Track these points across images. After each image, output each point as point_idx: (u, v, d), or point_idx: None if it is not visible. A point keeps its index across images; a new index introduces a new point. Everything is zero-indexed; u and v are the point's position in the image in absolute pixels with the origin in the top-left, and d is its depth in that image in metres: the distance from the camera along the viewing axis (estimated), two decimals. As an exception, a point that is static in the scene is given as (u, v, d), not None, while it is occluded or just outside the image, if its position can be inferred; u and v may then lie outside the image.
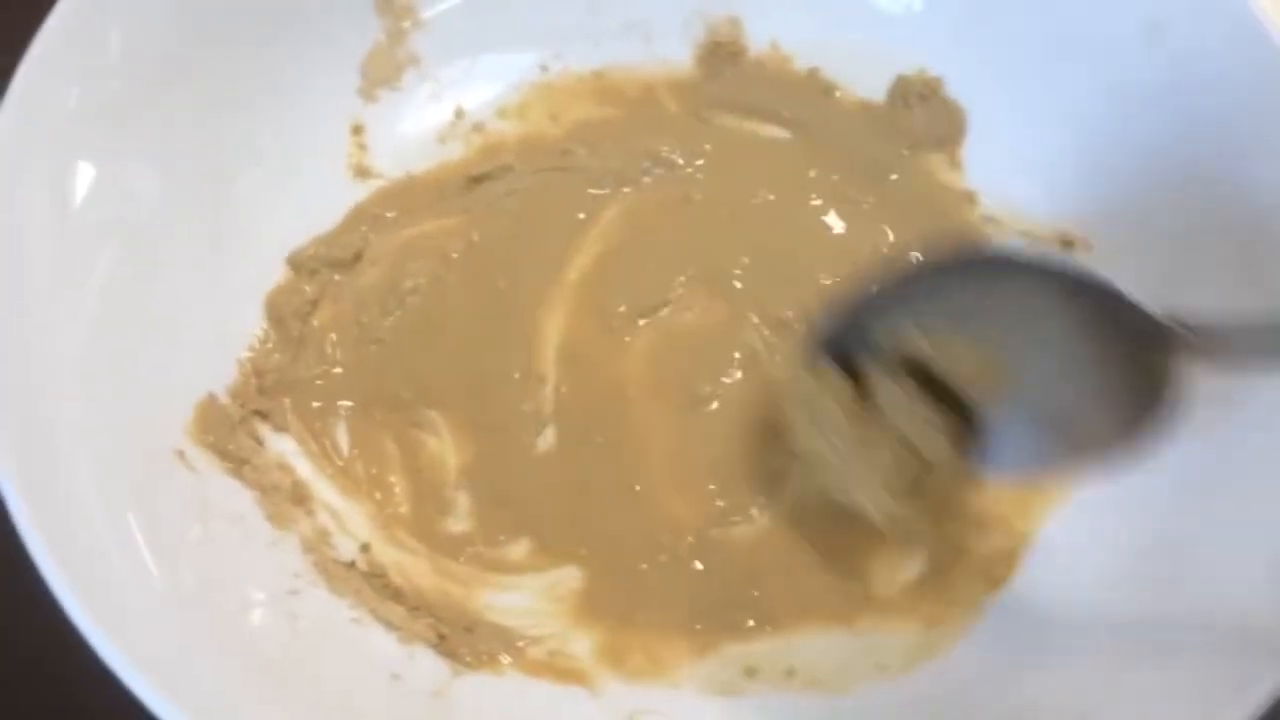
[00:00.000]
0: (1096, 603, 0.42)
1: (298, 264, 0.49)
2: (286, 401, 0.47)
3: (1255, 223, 0.44)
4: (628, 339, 0.49)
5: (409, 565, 0.45)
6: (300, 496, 0.45)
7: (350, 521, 0.46)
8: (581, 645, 0.44)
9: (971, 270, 0.41)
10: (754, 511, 0.46)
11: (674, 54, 0.56)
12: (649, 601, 0.45)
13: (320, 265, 0.50)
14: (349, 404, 0.48)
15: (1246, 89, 0.45)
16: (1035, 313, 0.39)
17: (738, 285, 0.51)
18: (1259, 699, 0.35)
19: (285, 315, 0.48)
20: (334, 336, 0.49)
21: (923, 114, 0.54)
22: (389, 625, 0.42)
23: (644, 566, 0.45)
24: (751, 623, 0.45)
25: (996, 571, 0.45)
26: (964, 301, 0.40)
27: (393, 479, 0.47)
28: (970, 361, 0.41)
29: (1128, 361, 0.37)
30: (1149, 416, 0.37)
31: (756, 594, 0.45)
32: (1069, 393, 0.40)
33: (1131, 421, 0.38)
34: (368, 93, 0.53)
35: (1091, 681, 0.40)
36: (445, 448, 0.47)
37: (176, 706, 0.33)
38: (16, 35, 0.41)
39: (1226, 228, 0.45)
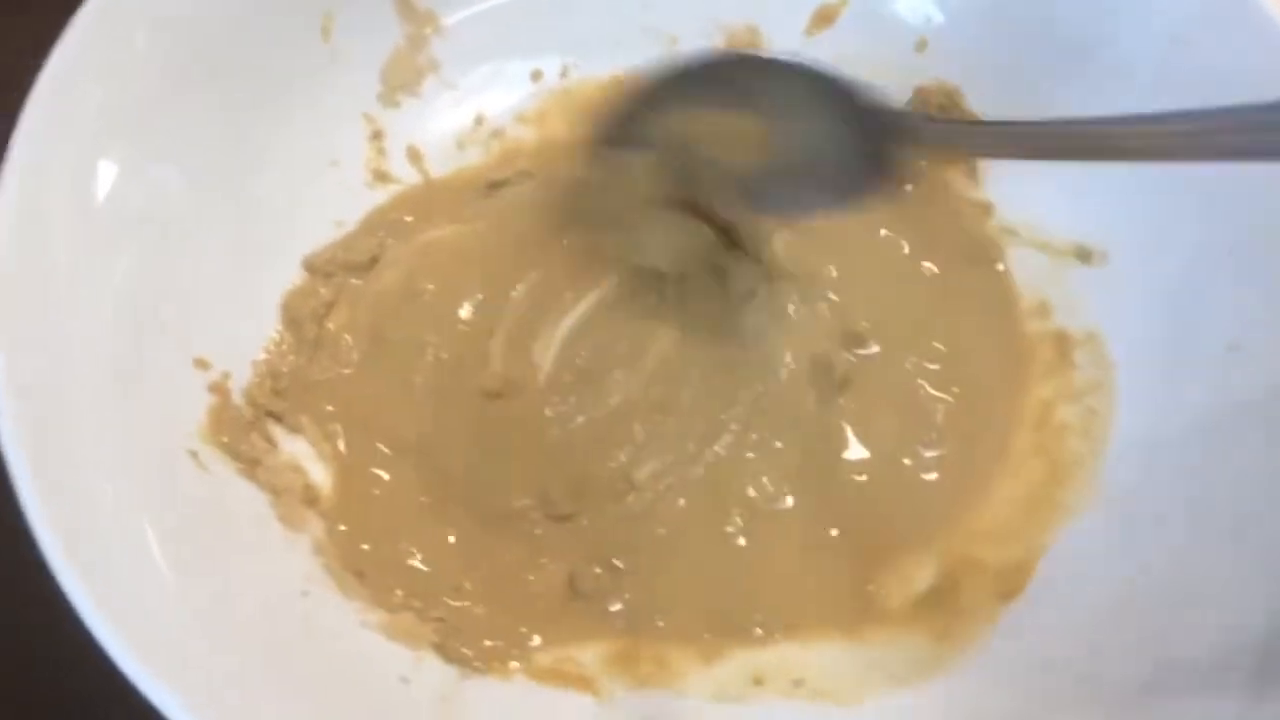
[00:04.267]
0: (1108, 617, 0.42)
1: (314, 267, 0.50)
2: (300, 403, 0.47)
3: (1274, 235, 0.44)
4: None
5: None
6: (312, 498, 0.45)
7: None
8: (590, 652, 0.44)
9: (736, 66, 0.47)
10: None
11: (694, 63, 0.56)
12: (658, 609, 0.45)
13: (337, 269, 0.50)
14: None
15: (1269, 96, 0.44)
16: (793, 99, 0.45)
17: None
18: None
19: (301, 318, 0.48)
20: (349, 339, 0.49)
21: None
22: (393, 632, 0.43)
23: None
24: (760, 631, 0.45)
25: (1008, 584, 0.45)
26: (730, 89, 0.46)
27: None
28: (735, 132, 0.46)
29: (869, 139, 0.43)
30: (884, 179, 0.44)
31: (765, 603, 0.45)
32: (820, 160, 0.45)
33: (869, 183, 0.44)
34: (388, 98, 0.54)
35: (1105, 695, 0.40)
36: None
37: (187, 707, 0.33)
38: (38, 37, 0.42)
39: (1243, 240, 0.45)
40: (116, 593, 0.35)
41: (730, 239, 0.50)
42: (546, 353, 0.48)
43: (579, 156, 0.50)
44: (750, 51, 0.47)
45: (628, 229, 0.49)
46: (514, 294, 0.49)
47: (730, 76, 0.46)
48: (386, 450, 0.47)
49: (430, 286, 0.50)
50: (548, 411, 0.47)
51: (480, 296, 0.50)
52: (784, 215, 0.50)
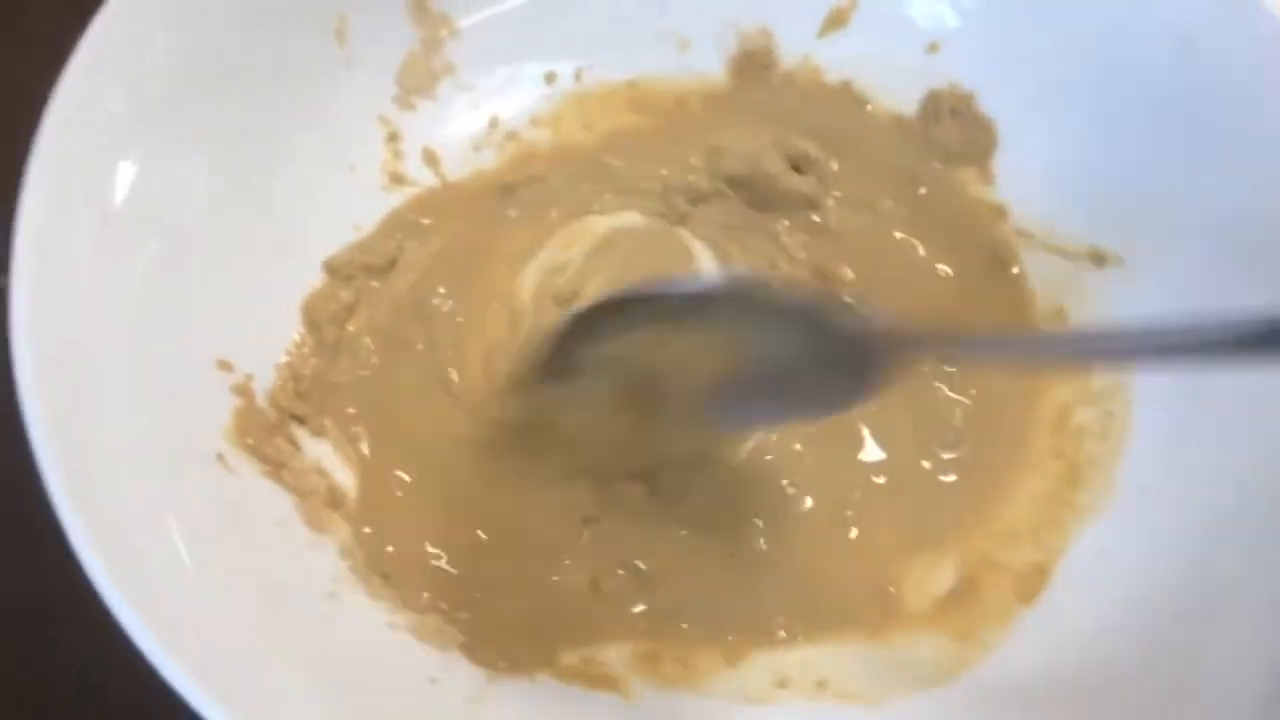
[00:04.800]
0: (1129, 618, 0.42)
1: (334, 269, 0.50)
2: (323, 406, 0.48)
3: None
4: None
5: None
6: (337, 501, 0.45)
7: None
8: (615, 653, 0.44)
9: (686, 297, 0.43)
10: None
11: (706, 65, 0.56)
12: (681, 611, 0.45)
13: (356, 271, 0.50)
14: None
15: (1277, 100, 0.45)
16: (757, 320, 0.41)
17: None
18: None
19: (322, 320, 0.48)
20: (369, 342, 0.49)
21: (954, 128, 0.54)
22: (420, 634, 0.43)
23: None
24: (782, 633, 0.45)
25: (1028, 586, 0.45)
26: (683, 314, 0.43)
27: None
28: (694, 349, 0.43)
29: (836, 358, 0.40)
30: (854, 396, 0.40)
31: (788, 605, 0.45)
32: (785, 378, 0.42)
33: (839, 397, 0.41)
34: (404, 101, 0.54)
35: (1123, 697, 0.40)
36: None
37: (218, 703, 0.33)
38: (59, 37, 0.42)
39: (1258, 241, 0.45)
40: (147, 593, 0.35)
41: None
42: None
43: (507, 399, 0.48)
44: (693, 284, 0.45)
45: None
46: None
47: (680, 305, 0.43)
48: (409, 453, 0.47)
49: (443, 290, 0.50)
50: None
51: (493, 301, 0.50)
52: (753, 427, 0.48)
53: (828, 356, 0.40)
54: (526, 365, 0.47)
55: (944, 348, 0.42)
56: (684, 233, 0.53)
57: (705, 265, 0.52)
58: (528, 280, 0.51)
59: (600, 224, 0.53)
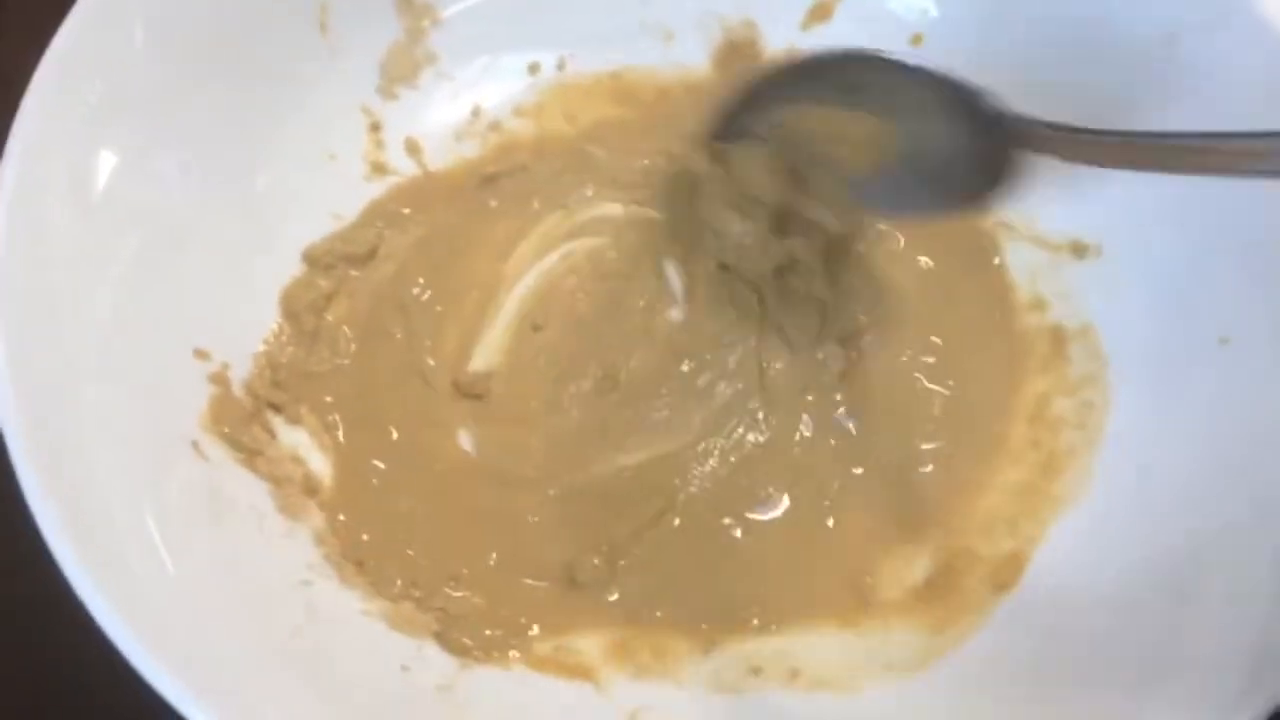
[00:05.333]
0: (1103, 607, 0.42)
1: (314, 259, 0.50)
2: (300, 394, 0.48)
3: (1267, 233, 0.45)
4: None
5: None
6: (312, 489, 0.45)
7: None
8: (589, 641, 0.44)
9: (853, 63, 0.46)
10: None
11: (690, 56, 0.56)
12: (656, 599, 0.45)
13: (336, 260, 0.50)
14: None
15: (1261, 97, 0.45)
16: (911, 99, 0.45)
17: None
18: (1263, 706, 0.35)
19: (300, 309, 0.49)
20: (348, 331, 0.49)
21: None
22: (394, 621, 0.43)
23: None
24: (757, 622, 0.45)
25: (1003, 576, 0.45)
26: (844, 88, 0.46)
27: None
28: (851, 130, 0.47)
29: (982, 139, 0.43)
30: (995, 184, 0.43)
31: (762, 594, 0.45)
32: (937, 159, 0.45)
33: (982, 186, 0.44)
34: (386, 91, 0.54)
35: (1098, 687, 0.40)
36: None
37: (190, 693, 0.34)
38: (37, 27, 0.42)
39: (1238, 237, 0.45)
40: (119, 581, 0.35)
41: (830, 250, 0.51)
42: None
43: (690, 149, 0.51)
44: (869, 51, 0.45)
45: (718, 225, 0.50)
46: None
47: (845, 75, 0.46)
48: (385, 442, 0.48)
49: (423, 280, 0.51)
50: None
51: (474, 291, 0.51)
52: (896, 216, 0.51)
53: (973, 143, 0.43)
54: (704, 122, 0.49)
55: (1080, 146, 0.42)
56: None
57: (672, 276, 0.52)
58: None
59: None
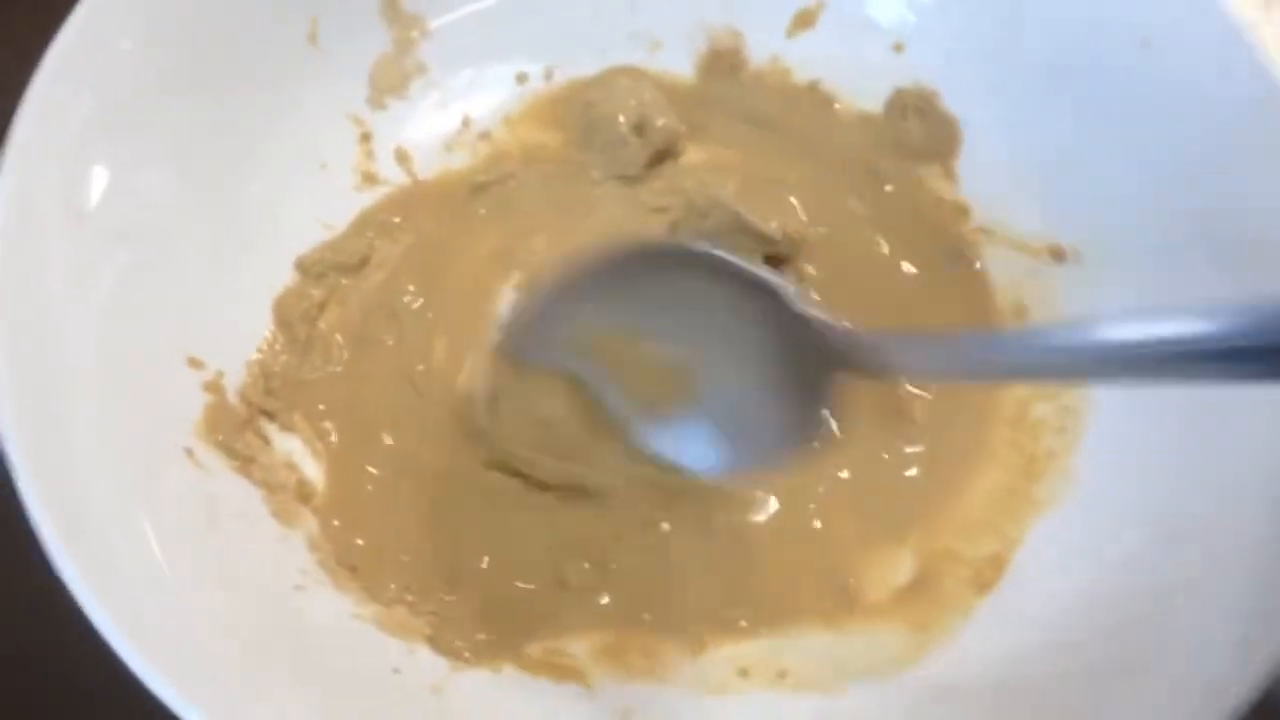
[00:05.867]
0: (1083, 607, 0.43)
1: (306, 268, 0.50)
2: (293, 402, 0.48)
3: (1242, 233, 0.45)
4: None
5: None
6: (306, 495, 0.46)
7: (354, 520, 0.46)
8: (579, 644, 0.45)
9: (659, 265, 0.44)
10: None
11: (676, 65, 0.57)
12: (646, 603, 0.46)
13: (327, 269, 0.51)
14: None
15: (1233, 101, 0.45)
16: (720, 311, 0.42)
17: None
18: (1242, 701, 0.36)
19: (293, 318, 0.49)
20: (340, 339, 0.50)
21: (919, 126, 0.55)
22: (386, 625, 0.44)
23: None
24: (744, 624, 0.45)
25: (985, 577, 0.46)
26: (652, 297, 0.43)
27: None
28: (657, 365, 0.44)
29: (798, 370, 0.41)
30: (811, 426, 0.42)
31: (751, 596, 0.46)
32: (747, 400, 0.43)
33: (798, 429, 0.42)
34: (376, 101, 0.54)
35: (1078, 685, 0.41)
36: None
37: (184, 695, 0.34)
38: (27, 41, 0.42)
39: (1214, 238, 0.46)
40: (116, 587, 0.35)
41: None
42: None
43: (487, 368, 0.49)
44: (669, 245, 0.45)
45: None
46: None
47: (651, 285, 0.43)
48: (378, 448, 0.48)
49: (413, 288, 0.51)
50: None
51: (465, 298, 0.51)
52: (701, 469, 0.46)
53: (788, 356, 0.40)
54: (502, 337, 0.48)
55: (904, 354, 0.40)
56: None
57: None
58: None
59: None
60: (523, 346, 0.47)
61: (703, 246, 0.44)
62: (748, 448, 0.44)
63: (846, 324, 0.40)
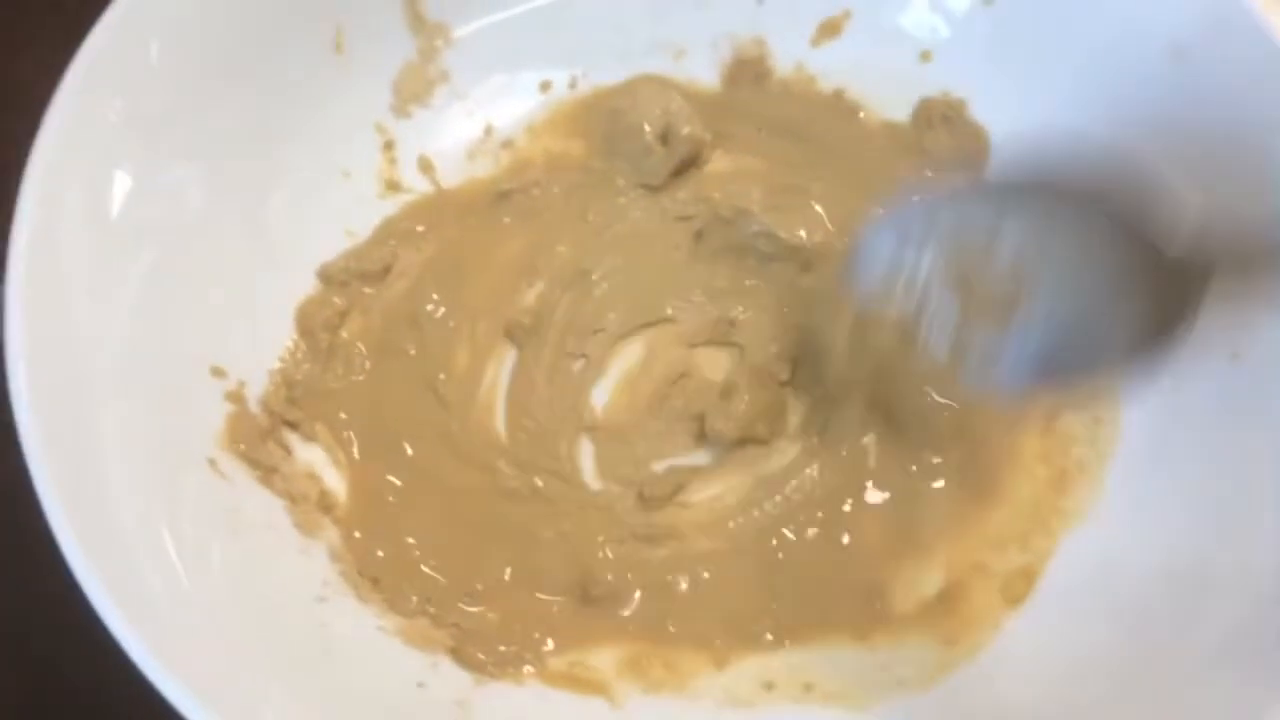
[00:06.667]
0: (1114, 621, 0.43)
1: (328, 276, 0.50)
2: (315, 411, 0.48)
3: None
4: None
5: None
6: (328, 505, 0.46)
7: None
8: (602, 657, 0.45)
9: (1007, 194, 0.42)
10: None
11: (701, 74, 0.57)
12: (670, 614, 0.46)
13: (350, 278, 0.50)
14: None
15: (1268, 110, 0.45)
16: (1063, 232, 0.41)
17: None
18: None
19: (315, 327, 0.49)
20: (362, 348, 0.50)
21: (946, 136, 0.54)
22: (409, 637, 0.43)
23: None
24: (770, 636, 0.45)
25: (1014, 590, 0.45)
26: (994, 222, 0.42)
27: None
28: (998, 275, 0.42)
29: (1145, 284, 0.39)
30: (1158, 339, 0.39)
31: (775, 608, 0.46)
32: (1088, 309, 0.41)
33: (1140, 341, 0.39)
34: (400, 109, 0.54)
35: (1108, 699, 0.40)
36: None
37: (207, 710, 0.34)
38: (51, 50, 0.42)
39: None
40: (137, 597, 0.35)
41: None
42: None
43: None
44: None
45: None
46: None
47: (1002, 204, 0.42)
48: (400, 458, 0.48)
49: (435, 297, 0.51)
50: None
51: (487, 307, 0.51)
52: (1028, 389, 0.45)
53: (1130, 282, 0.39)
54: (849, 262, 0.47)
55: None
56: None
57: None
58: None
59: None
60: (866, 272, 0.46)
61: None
62: (1081, 356, 0.42)
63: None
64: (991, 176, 0.45)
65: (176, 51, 0.45)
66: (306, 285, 0.50)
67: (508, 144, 0.55)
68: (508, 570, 0.46)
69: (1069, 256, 0.41)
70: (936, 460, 0.48)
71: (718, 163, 0.55)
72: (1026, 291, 0.42)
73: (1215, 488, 0.43)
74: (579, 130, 0.56)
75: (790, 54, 0.56)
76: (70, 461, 0.37)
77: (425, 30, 0.54)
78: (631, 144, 0.53)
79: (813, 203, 0.53)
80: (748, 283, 0.52)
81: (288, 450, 0.46)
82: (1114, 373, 0.42)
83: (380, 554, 0.45)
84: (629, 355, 0.51)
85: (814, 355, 0.50)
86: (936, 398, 0.49)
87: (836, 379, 0.49)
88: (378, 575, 0.45)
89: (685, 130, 0.53)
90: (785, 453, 0.49)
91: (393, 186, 0.53)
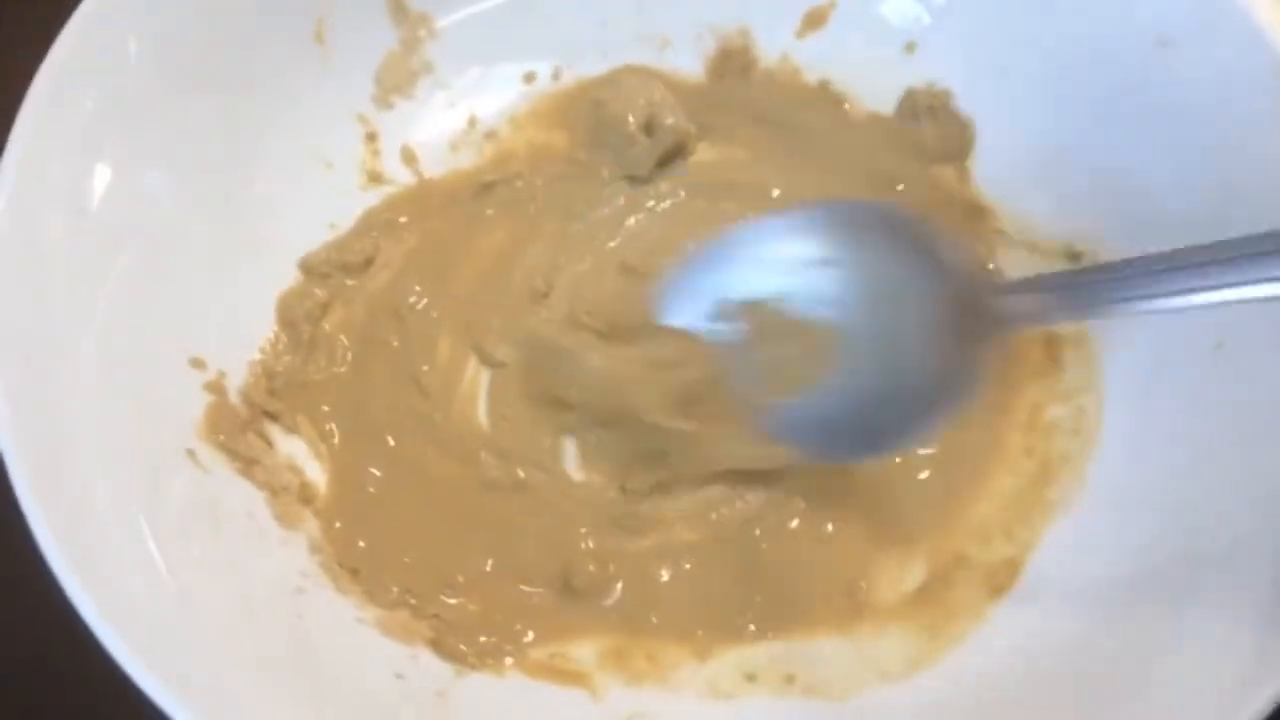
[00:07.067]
0: (1098, 611, 0.42)
1: (310, 268, 0.50)
2: (296, 403, 0.48)
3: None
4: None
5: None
6: (308, 497, 0.46)
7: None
8: (584, 648, 0.45)
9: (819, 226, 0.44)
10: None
11: (685, 65, 0.56)
12: (652, 606, 0.46)
13: (332, 269, 0.50)
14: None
15: (1251, 100, 0.45)
16: (873, 266, 0.42)
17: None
18: (1261, 707, 0.35)
19: (296, 318, 0.49)
20: (344, 340, 0.50)
21: (931, 127, 0.54)
22: (388, 629, 0.43)
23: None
24: (752, 628, 0.45)
25: (998, 580, 0.45)
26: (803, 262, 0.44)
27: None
28: (800, 336, 0.44)
29: (954, 333, 0.41)
30: (960, 398, 0.42)
31: (758, 600, 0.45)
32: (894, 368, 0.43)
33: (943, 400, 0.42)
34: (382, 100, 0.54)
35: (1092, 690, 0.40)
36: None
37: (183, 703, 0.34)
38: (32, 40, 0.42)
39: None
40: (114, 590, 0.35)
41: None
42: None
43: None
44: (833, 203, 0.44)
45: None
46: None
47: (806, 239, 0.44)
48: (381, 450, 0.48)
49: (418, 288, 0.51)
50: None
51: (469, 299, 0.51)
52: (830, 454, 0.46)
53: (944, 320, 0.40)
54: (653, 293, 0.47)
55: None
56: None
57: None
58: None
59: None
60: (667, 311, 0.47)
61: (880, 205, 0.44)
62: (886, 426, 0.44)
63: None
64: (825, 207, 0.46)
65: (154, 42, 0.45)
66: (288, 276, 0.50)
67: (491, 135, 0.55)
68: (489, 561, 0.46)
69: (873, 300, 0.42)
70: (922, 452, 0.48)
71: (702, 154, 0.55)
72: (832, 346, 0.44)
73: (1198, 478, 0.43)
74: (563, 121, 0.55)
75: (775, 45, 0.56)
76: (47, 453, 0.37)
77: (408, 20, 0.54)
78: (615, 135, 0.53)
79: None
80: None
81: (268, 442, 0.46)
82: (910, 439, 0.44)
83: (361, 545, 0.45)
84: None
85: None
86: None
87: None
88: (358, 566, 0.45)
89: (669, 121, 0.53)
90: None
91: (375, 178, 0.53)
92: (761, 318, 0.46)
